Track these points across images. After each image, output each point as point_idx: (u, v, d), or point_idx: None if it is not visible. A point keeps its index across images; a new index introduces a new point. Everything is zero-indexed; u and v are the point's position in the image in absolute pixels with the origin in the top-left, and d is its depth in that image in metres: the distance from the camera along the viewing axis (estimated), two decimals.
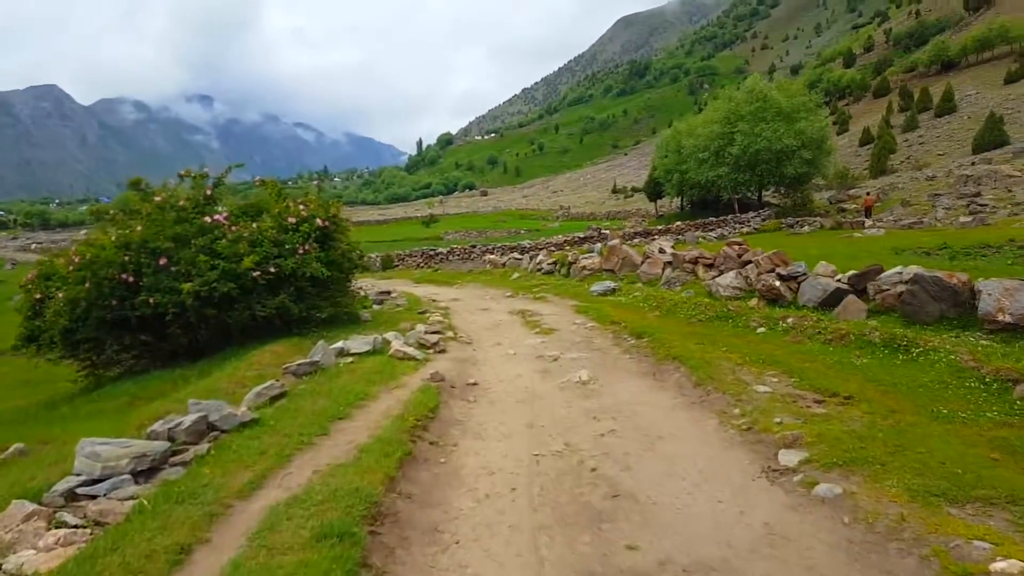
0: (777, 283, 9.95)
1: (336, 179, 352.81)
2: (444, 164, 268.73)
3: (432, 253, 33.93)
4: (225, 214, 10.15)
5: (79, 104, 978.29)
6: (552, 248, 30.26)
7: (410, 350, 8.83)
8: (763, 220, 37.13)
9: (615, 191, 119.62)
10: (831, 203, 44.09)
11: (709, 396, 6.33)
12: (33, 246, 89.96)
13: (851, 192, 47.12)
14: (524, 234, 55.85)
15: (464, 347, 10.09)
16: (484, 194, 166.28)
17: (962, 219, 26.23)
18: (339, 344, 8.64)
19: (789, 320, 8.82)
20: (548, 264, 21.94)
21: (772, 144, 37.86)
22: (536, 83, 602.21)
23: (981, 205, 30.15)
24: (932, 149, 66.39)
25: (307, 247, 10.15)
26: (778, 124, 38.40)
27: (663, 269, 15.26)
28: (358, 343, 8.83)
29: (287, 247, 10.06)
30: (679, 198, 54.45)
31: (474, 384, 7.78)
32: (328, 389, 6.84)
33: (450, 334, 10.80)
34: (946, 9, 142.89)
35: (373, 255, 36.14)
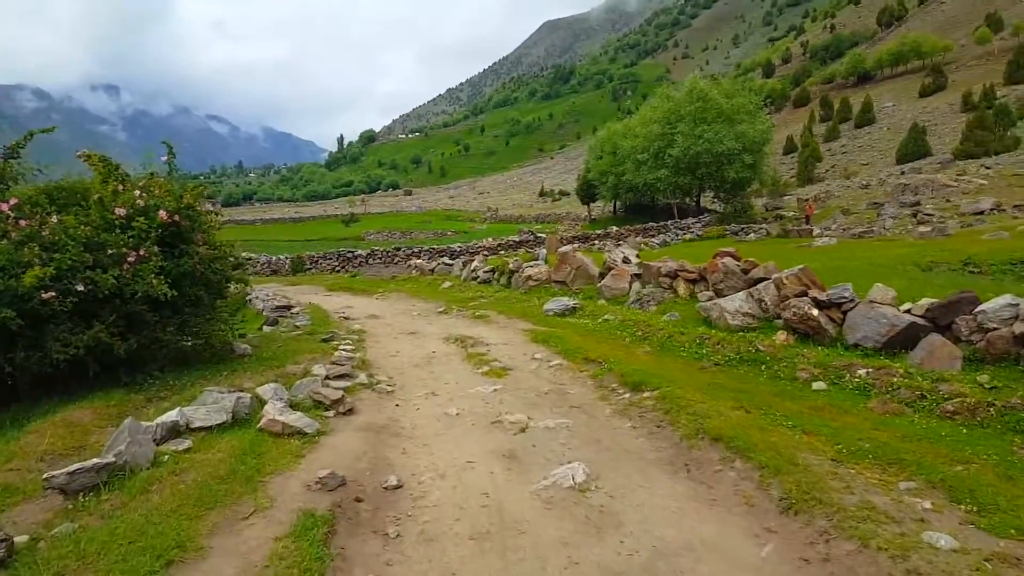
0: (815, 312, 7.25)
1: (251, 174, 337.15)
2: (366, 162, 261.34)
3: (350, 255, 30.23)
4: (13, 202, 6.58)
5: None
6: (487, 253, 27.23)
7: (293, 418, 5.58)
8: (704, 226, 35.39)
9: (543, 194, 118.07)
10: (767, 210, 43.15)
11: (831, 548, 3.43)
12: None
13: (785, 199, 46.47)
14: (452, 236, 52.63)
15: (383, 401, 6.91)
16: (408, 194, 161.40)
17: (921, 229, 24.92)
18: (171, 415, 5.28)
19: (859, 372, 6.10)
20: (485, 272, 18.90)
21: (713, 147, 36.24)
22: (461, 84, 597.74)
23: (927, 215, 29.21)
24: (856, 158, 67.57)
25: (142, 252, 6.69)
26: (719, 126, 36.83)
27: (630, 283, 12.49)
28: (206, 411, 5.50)
29: (110, 253, 6.59)
30: (612, 202, 52.58)
31: (396, 487, 4.65)
32: (111, 537, 3.55)
33: (363, 377, 7.57)
34: (859, 24, 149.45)
35: (282, 256, 32.08)
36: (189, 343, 7.62)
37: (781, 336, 7.38)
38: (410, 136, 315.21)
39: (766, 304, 8.25)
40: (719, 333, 8.03)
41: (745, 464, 4.53)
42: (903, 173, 46.84)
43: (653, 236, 33.50)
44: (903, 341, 6.52)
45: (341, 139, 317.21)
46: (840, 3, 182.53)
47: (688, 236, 32.83)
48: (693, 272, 11.00)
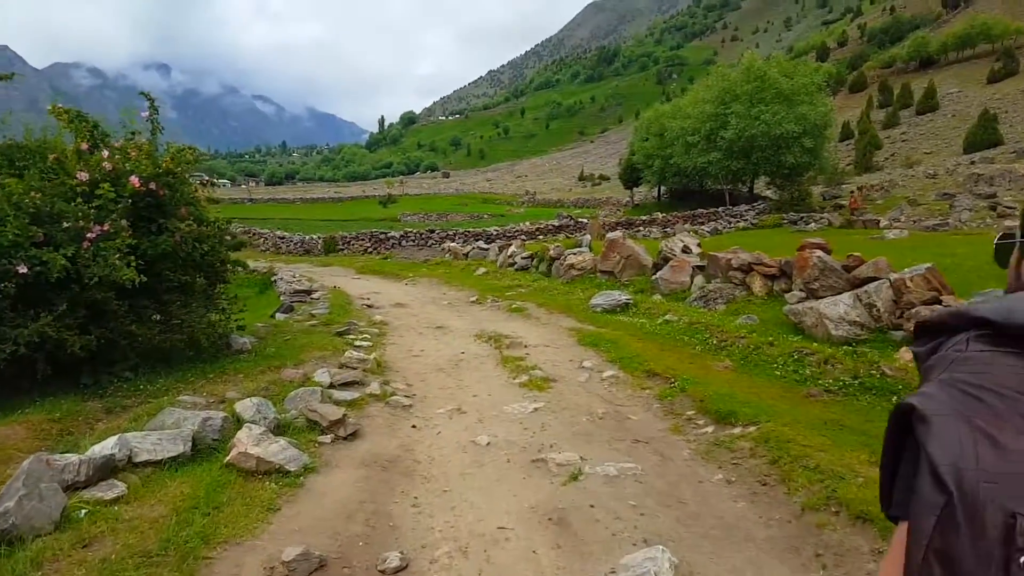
0: None
1: (295, 154, 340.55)
2: (406, 144, 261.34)
3: (383, 237, 29.02)
4: None
5: (32, 67, 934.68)
6: (524, 238, 25.73)
7: (274, 449, 4.22)
8: (758, 214, 33.21)
9: (582, 178, 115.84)
10: (824, 198, 40.62)
11: None
12: None
13: (843, 187, 43.81)
14: (488, 219, 51.17)
15: (396, 420, 5.52)
16: (446, 176, 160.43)
17: (1007, 223, 22.55)
18: (107, 444, 3.95)
19: None
20: (523, 258, 17.42)
21: (771, 129, 33.85)
22: (503, 66, 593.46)
23: (1008, 207, 26.68)
24: (918, 147, 63.90)
25: (106, 227, 5.39)
26: (778, 107, 34.40)
27: (691, 277, 10.86)
28: (158, 439, 4.17)
29: (65, 227, 5.31)
30: (657, 187, 50.36)
31: (398, 571, 3.24)
32: None
33: (375, 386, 6.18)
34: (921, 6, 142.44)
35: (315, 236, 31.12)
36: (173, 339, 6.33)
37: (908, 355, 5.75)
38: (450, 118, 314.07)
39: (878, 311, 6.59)
40: (820, 346, 6.41)
41: None
42: (973, 163, 43.69)
43: (703, 223, 31.53)
44: None
45: (382, 120, 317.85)
46: None
47: (741, 224, 30.78)
48: (772, 266, 9.34)
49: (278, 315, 10.02)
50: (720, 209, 34.19)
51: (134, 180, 5.55)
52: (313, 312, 10.04)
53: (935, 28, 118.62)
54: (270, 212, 68.80)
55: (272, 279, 18.52)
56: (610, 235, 13.77)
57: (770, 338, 7.01)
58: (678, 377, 6.15)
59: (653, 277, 11.52)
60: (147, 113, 6.52)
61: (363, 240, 29.06)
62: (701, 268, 10.93)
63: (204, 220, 6.41)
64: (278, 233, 32.19)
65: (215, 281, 7.10)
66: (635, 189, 54.93)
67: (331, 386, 5.93)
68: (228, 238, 6.82)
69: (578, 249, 15.35)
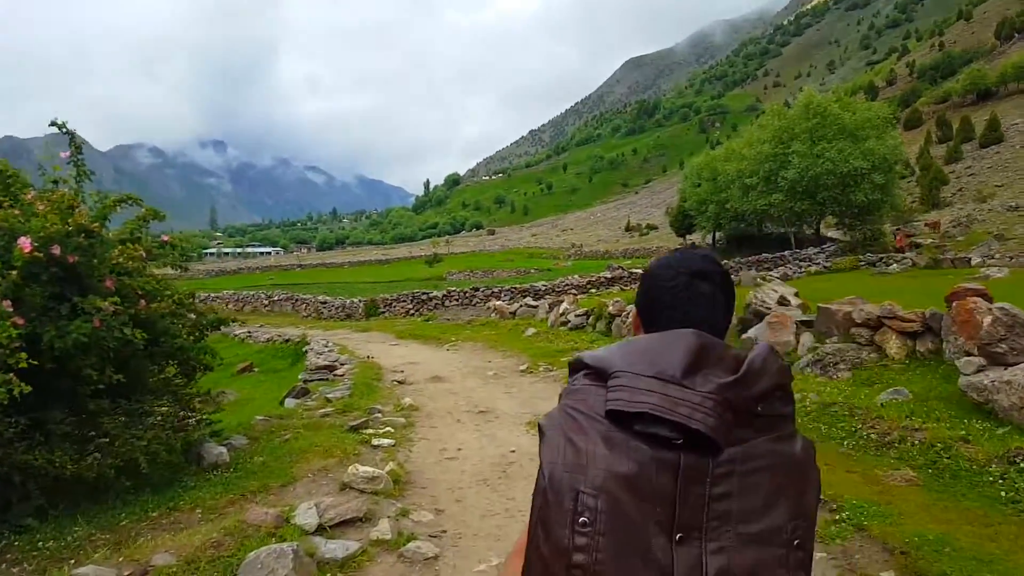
0: None
1: (345, 220, 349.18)
2: (451, 204, 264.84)
3: (425, 297, 27.44)
4: None
5: (96, 150, 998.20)
6: (575, 292, 23.74)
7: None
8: (829, 257, 30.52)
9: (629, 228, 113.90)
10: (895, 237, 37.69)
11: None
12: None
13: (917, 222, 40.78)
14: (535, 274, 49.46)
15: None
16: (491, 233, 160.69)
17: None
18: None
19: None
20: (576, 315, 15.45)
21: (837, 167, 31.46)
22: (543, 125, 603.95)
23: None
24: (988, 180, 60.13)
25: None
26: (842, 143, 32.06)
27: (795, 335, 8.67)
28: None
29: None
30: (711, 233, 48.03)
31: None
32: None
33: (385, 525, 4.19)
34: (971, 40, 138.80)
35: (356, 300, 29.83)
36: (92, 465, 4.45)
37: None
38: (493, 177, 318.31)
39: None
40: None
41: None
42: None
43: (769, 269, 29.03)
44: None
45: (427, 183, 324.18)
46: (948, 20, 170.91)
47: (813, 268, 28.14)
48: (912, 320, 7.11)
49: (288, 401, 8.24)
50: (787, 253, 31.67)
51: (24, 243, 3.85)
52: (329, 396, 8.20)
53: (990, 60, 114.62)
54: (319, 277, 68.90)
55: (304, 350, 17.00)
56: None
57: (961, 431, 4.80)
58: (843, 501, 4.01)
59: (743, 336, 9.36)
60: (68, 153, 4.90)
61: (404, 302, 27.55)
62: (807, 324, 8.74)
63: (154, 294, 4.67)
64: (320, 298, 31.07)
65: (187, 375, 5.32)
66: (688, 237, 52.68)
67: (320, 529, 4.00)
68: (191, 315, 5.06)
69: None
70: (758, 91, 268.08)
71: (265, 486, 4.73)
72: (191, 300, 5.11)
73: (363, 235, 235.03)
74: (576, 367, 1.17)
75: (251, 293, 36.91)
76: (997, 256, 26.17)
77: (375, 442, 6.11)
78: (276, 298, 34.08)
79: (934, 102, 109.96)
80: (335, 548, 3.77)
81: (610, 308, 13.82)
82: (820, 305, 8.57)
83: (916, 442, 4.88)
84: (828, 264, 28.74)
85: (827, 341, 8.17)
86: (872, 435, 5.23)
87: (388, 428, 6.65)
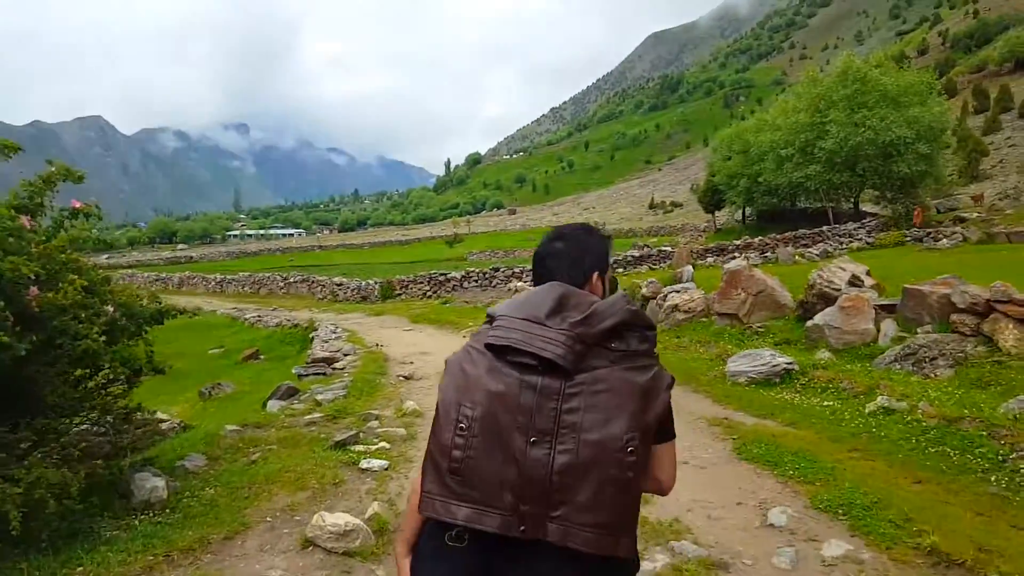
0: None
1: (366, 201, 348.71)
2: (472, 184, 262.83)
3: (442, 279, 26.20)
4: None
5: (122, 134, 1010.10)
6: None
7: None
8: (871, 232, 28.63)
9: (652, 206, 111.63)
10: (938, 211, 35.54)
11: None
12: None
13: (959, 195, 38.64)
14: None
15: None
16: (512, 212, 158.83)
17: None
18: None
19: None
20: None
21: (879, 136, 29.41)
22: (564, 102, 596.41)
23: None
24: None
25: None
26: (884, 111, 29.96)
27: (875, 323, 7.24)
28: None
29: None
30: (741, 209, 46.09)
31: None
32: None
33: None
34: (1007, 7, 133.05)
35: (372, 282, 28.69)
36: None
37: None
38: (514, 156, 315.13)
39: None
40: None
41: None
42: None
43: (807, 246, 27.30)
44: None
45: (448, 163, 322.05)
46: None
47: (855, 245, 26.34)
48: None
49: (271, 403, 7.00)
50: (825, 229, 29.78)
51: None
52: (321, 398, 6.95)
53: None
54: (339, 258, 68.01)
55: (311, 336, 15.88)
56: (730, 265, 10.25)
57: None
58: None
59: (809, 323, 7.93)
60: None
61: (422, 283, 26.33)
62: (887, 309, 7.30)
63: (53, 277, 3.42)
64: (335, 280, 30.01)
65: (94, 400, 4.05)
66: (716, 213, 50.73)
67: None
68: (108, 308, 3.79)
69: (681, 285, 11.88)
70: (784, 64, 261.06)
71: (203, 540, 3.49)
72: (106, 287, 3.85)
73: (384, 216, 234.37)
74: (491, 313, 1.49)
75: (267, 275, 36.09)
76: None
77: (364, 464, 4.85)
78: (292, 280, 33.17)
79: (969, 71, 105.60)
80: None
81: (644, 290, 12.41)
82: (907, 287, 7.11)
83: None
84: (871, 240, 26.92)
85: (916, 330, 6.73)
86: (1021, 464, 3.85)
87: (383, 444, 5.38)
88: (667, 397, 1.36)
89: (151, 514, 3.85)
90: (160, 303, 4.56)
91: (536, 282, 1.56)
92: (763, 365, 6.64)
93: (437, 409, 1.38)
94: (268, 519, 3.84)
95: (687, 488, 4.30)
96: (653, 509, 3.95)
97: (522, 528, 1.25)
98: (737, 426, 5.37)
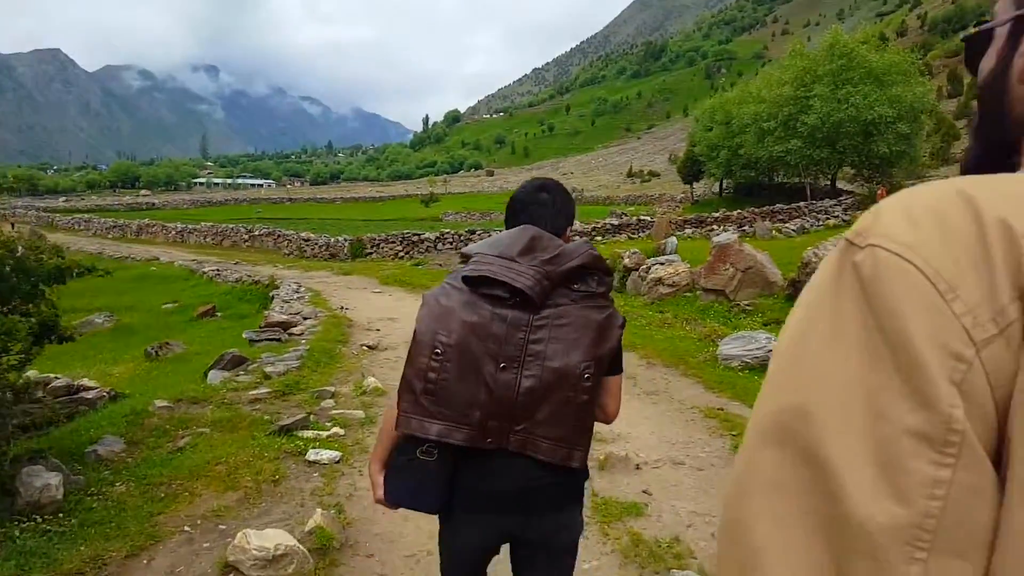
0: None
1: (340, 154, 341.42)
2: (450, 143, 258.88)
3: (416, 239, 25.37)
4: None
5: (83, 70, 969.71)
6: (579, 238, 21.66)
7: None
8: (847, 210, 28.45)
9: (631, 175, 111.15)
10: None
11: None
12: None
13: (936, 176, 38.58)
14: None
15: None
16: (490, 174, 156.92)
17: None
18: None
19: None
20: None
21: (861, 113, 29.02)
22: (547, 64, 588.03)
23: None
24: None
25: None
26: (868, 88, 29.52)
27: None
28: None
29: None
30: (719, 181, 45.68)
31: None
32: None
33: None
34: None
35: (342, 238, 27.68)
36: None
37: None
38: (494, 116, 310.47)
39: None
40: None
41: None
42: None
43: (784, 221, 27.01)
44: None
45: (426, 119, 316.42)
46: None
47: (831, 222, 26.12)
48: None
49: (212, 374, 6.25)
50: (802, 204, 29.54)
51: None
52: (270, 369, 6.22)
53: None
54: (309, 212, 66.23)
55: (271, 295, 15.02)
56: (719, 238, 9.68)
57: None
58: None
59: None
60: None
61: (394, 243, 25.45)
62: None
63: None
64: (303, 235, 28.83)
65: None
66: (694, 184, 50.31)
67: None
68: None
69: (665, 257, 11.32)
70: (766, 38, 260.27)
71: (96, 559, 2.81)
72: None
73: (358, 171, 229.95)
74: (467, 252, 1.61)
75: (231, 226, 34.67)
76: None
77: (312, 455, 4.18)
78: (257, 233, 31.87)
79: (945, 56, 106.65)
80: None
81: (626, 260, 11.81)
82: None
83: None
84: (847, 217, 26.72)
85: None
86: None
87: (336, 429, 4.71)
88: (619, 334, 1.52)
89: (38, 520, 3.14)
90: (63, 258, 3.80)
91: (509, 226, 1.66)
92: (758, 349, 6.11)
93: (414, 337, 1.48)
94: (186, 528, 3.17)
95: (685, 497, 3.73)
96: (649, 525, 3.37)
97: (488, 440, 1.43)
98: (734, 419, 4.83)
